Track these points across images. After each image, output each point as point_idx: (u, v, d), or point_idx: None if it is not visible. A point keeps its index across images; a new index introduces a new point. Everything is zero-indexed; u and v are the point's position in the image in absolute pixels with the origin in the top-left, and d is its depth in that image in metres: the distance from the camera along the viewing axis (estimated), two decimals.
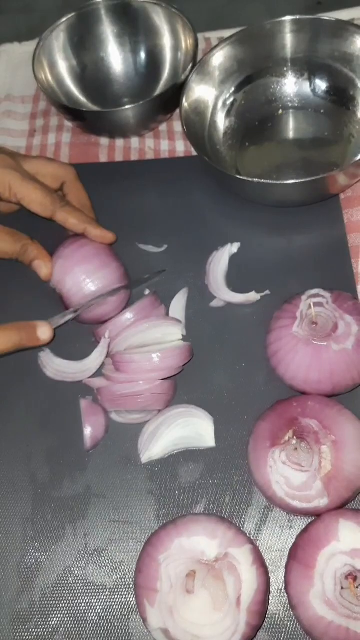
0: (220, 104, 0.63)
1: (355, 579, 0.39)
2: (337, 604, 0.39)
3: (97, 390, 0.51)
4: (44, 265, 0.54)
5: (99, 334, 0.53)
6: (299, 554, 0.41)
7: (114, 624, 0.45)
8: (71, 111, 0.62)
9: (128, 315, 0.53)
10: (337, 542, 0.40)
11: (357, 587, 0.39)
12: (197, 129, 0.61)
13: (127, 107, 0.59)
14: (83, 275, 0.53)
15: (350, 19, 0.68)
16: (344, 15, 0.69)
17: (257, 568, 0.41)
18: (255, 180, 0.53)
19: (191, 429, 0.50)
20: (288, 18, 0.60)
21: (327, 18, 0.60)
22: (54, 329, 0.51)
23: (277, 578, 0.45)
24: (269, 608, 0.44)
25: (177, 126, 0.67)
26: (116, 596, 0.46)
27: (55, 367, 0.54)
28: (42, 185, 0.53)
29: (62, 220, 0.54)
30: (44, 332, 0.50)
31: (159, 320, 0.52)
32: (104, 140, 0.67)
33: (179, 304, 0.56)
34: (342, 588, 0.39)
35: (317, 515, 0.43)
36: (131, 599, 0.45)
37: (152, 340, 0.52)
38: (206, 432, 0.50)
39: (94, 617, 0.45)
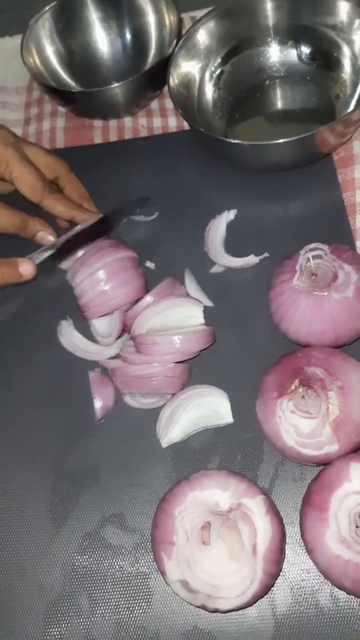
0: (207, 76, 0.64)
1: None
2: (353, 543, 0.39)
3: (111, 371, 0.52)
4: (48, 235, 0.55)
5: (127, 322, 0.53)
6: (312, 498, 0.41)
7: (135, 583, 0.45)
8: (61, 94, 0.63)
9: (148, 298, 0.53)
10: (349, 483, 0.40)
11: None
12: (186, 102, 0.62)
13: (115, 84, 0.60)
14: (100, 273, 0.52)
15: None
16: None
17: (271, 518, 0.42)
18: (247, 142, 0.54)
19: (207, 407, 0.50)
20: None
21: None
22: (35, 265, 0.52)
23: (292, 532, 0.45)
24: (286, 560, 0.45)
25: (169, 103, 0.68)
26: (135, 557, 0.46)
27: (72, 339, 0.54)
28: (36, 170, 0.54)
29: (50, 207, 0.55)
30: (25, 268, 0.51)
31: (178, 298, 0.52)
32: (98, 123, 0.68)
33: (192, 284, 0.56)
34: (356, 527, 0.39)
35: (328, 463, 0.43)
36: (150, 559, 0.46)
37: (174, 322, 0.52)
38: (222, 408, 0.50)
39: (114, 579, 0.46)
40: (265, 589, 0.41)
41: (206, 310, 0.53)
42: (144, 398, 0.51)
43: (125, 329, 0.53)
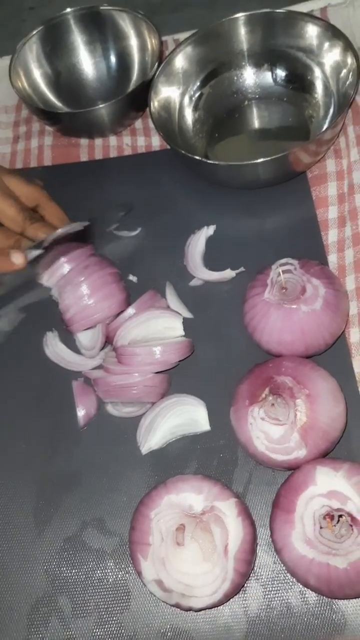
0: (186, 99, 0.67)
1: (332, 518, 0.41)
2: (317, 543, 0.41)
3: (93, 381, 0.54)
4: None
5: (110, 334, 0.55)
6: (280, 501, 0.44)
7: (113, 584, 0.47)
8: (49, 114, 0.66)
9: (130, 310, 0.55)
10: (314, 486, 0.42)
11: (334, 526, 0.41)
12: (167, 124, 0.64)
13: (100, 106, 0.63)
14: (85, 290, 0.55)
15: (309, 10, 0.72)
16: (302, 7, 0.72)
17: (243, 520, 0.44)
18: (224, 163, 0.56)
19: (186, 416, 0.52)
20: (241, 15, 0.64)
21: (278, 10, 0.64)
22: (26, 257, 0.55)
23: (264, 534, 0.47)
24: (258, 561, 0.47)
25: (152, 122, 0.70)
26: (114, 559, 0.48)
27: (57, 350, 0.57)
28: (17, 203, 0.57)
29: (32, 236, 0.57)
30: (17, 257, 0.54)
31: (159, 311, 0.55)
32: (84, 141, 0.70)
33: (172, 297, 0.58)
34: (320, 527, 0.41)
35: (297, 467, 0.45)
36: (128, 562, 0.48)
37: (154, 334, 0.54)
38: (200, 416, 0.52)
39: (94, 580, 0.48)
40: (237, 588, 0.43)
41: (185, 321, 0.55)
42: (125, 407, 0.54)
43: (108, 340, 0.56)
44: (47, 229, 0.58)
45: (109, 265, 0.57)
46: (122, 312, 0.55)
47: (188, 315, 0.57)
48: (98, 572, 0.48)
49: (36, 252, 0.55)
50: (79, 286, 0.54)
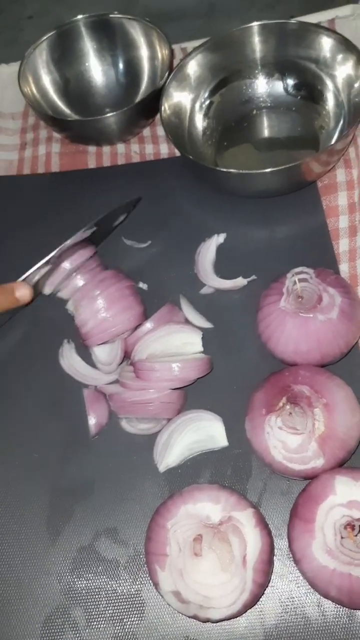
0: (197, 106, 0.67)
1: (353, 527, 0.41)
2: (338, 553, 0.41)
3: (108, 396, 0.53)
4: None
5: (127, 348, 0.55)
6: (299, 510, 0.43)
7: (128, 596, 0.47)
8: (57, 122, 0.66)
9: (148, 324, 0.54)
10: (334, 496, 0.42)
11: (356, 535, 0.41)
12: (177, 130, 0.65)
13: (109, 114, 0.62)
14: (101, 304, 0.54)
15: (317, 22, 0.73)
16: (310, 19, 0.73)
17: (261, 530, 0.43)
18: (235, 171, 0.56)
19: (203, 432, 0.51)
20: (255, 24, 0.65)
21: (292, 21, 0.64)
22: (33, 286, 0.52)
23: (280, 544, 0.47)
24: (274, 571, 0.46)
25: (160, 130, 0.71)
26: (128, 570, 0.47)
27: (72, 362, 0.56)
28: None
29: None
30: (22, 293, 0.52)
31: (178, 325, 0.54)
32: (92, 148, 0.70)
33: (189, 309, 0.57)
34: (342, 537, 0.41)
35: (314, 476, 0.45)
36: (143, 572, 0.47)
37: (172, 348, 0.53)
38: (217, 432, 0.51)
39: (108, 591, 0.47)
40: (255, 599, 0.43)
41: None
42: (140, 423, 0.53)
43: (125, 354, 0.55)
44: None
45: (125, 278, 0.56)
46: (139, 325, 0.55)
47: (208, 325, 0.57)
48: (112, 582, 0.47)
49: (43, 271, 0.54)
50: (95, 299, 0.54)
